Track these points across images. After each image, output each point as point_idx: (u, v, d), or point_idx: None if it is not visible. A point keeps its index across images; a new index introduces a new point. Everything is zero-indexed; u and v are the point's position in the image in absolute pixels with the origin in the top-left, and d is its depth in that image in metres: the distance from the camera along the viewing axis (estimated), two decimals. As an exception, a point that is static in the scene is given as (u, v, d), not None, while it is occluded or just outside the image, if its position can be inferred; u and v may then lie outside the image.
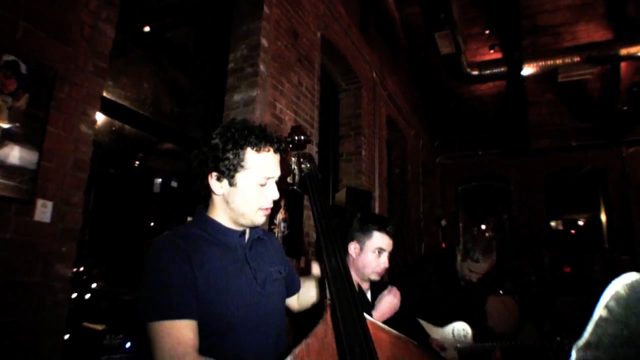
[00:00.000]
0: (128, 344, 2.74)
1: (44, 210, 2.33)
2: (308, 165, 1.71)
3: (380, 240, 2.12)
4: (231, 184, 1.42)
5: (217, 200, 1.48)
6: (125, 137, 5.66)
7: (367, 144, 5.85)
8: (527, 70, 6.70)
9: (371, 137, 6.01)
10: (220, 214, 1.48)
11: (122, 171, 5.99)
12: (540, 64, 6.65)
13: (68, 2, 2.52)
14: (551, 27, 6.64)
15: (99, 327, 2.80)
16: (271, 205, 1.49)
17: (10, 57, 2.28)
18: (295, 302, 1.77)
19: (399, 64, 6.97)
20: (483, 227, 9.46)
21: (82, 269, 3.67)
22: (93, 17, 2.66)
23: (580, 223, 8.83)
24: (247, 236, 1.52)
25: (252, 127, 1.45)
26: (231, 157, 1.39)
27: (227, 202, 1.45)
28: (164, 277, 1.29)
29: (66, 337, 2.51)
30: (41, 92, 2.37)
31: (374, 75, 6.12)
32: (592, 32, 6.53)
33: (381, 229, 2.14)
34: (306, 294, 1.77)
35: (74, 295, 3.23)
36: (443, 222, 7.98)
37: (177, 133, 4.13)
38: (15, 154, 2.26)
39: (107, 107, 3.17)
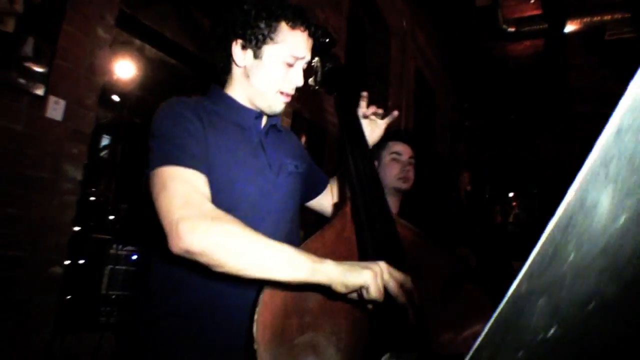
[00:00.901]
0: (134, 256, 2.74)
1: (55, 108, 2.33)
2: (332, 62, 1.54)
3: (395, 146, 2.08)
4: (256, 56, 1.30)
5: (236, 73, 1.36)
6: (156, 88, 5.70)
7: (394, 95, 5.67)
8: (570, 27, 6.32)
9: (398, 89, 5.82)
10: (237, 91, 1.37)
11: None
12: (585, 20, 6.25)
13: None
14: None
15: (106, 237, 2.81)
16: (292, 92, 1.36)
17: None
18: (329, 202, 1.67)
19: (430, 15, 6.67)
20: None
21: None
22: None
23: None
24: (263, 121, 1.41)
25: (290, 3, 1.33)
26: (262, 26, 1.28)
27: (247, 77, 1.33)
28: (179, 126, 1.19)
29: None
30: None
31: (404, 24, 5.90)
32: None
33: (394, 138, 2.10)
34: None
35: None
36: (468, 188, 7.75)
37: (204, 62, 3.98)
38: (29, 46, 2.25)
39: (128, 23, 3.14)
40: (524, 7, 6.65)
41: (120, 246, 2.64)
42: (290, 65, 1.32)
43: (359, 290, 0.98)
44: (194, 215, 1.01)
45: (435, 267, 1.26)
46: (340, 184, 1.66)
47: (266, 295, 0.99)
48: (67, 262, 2.35)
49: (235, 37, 1.31)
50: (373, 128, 1.59)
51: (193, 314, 1.21)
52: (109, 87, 5.38)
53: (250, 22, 1.29)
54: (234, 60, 1.33)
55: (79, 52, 2.42)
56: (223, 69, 1.39)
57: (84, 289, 2.57)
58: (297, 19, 1.30)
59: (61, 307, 2.33)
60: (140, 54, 5.55)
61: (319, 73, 1.51)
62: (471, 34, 6.89)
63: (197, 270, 1.13)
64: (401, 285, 1.00)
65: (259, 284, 1.03)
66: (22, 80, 2.20)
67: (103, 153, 6.02)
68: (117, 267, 2.64)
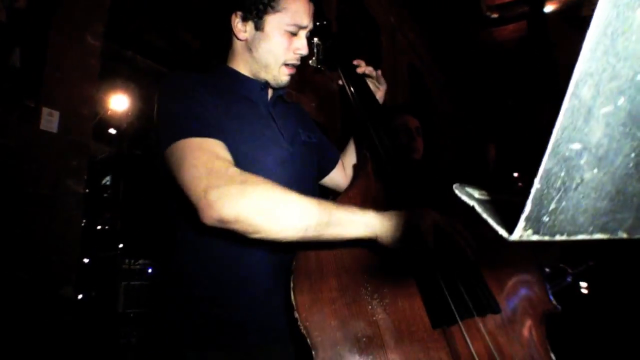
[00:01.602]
0: (150, 270, 2.58)
1: (50, 119, 2.20)
2: (331, 38, 1.52)
3: (400, 119, 2.09)
4: (257, 28, 1.24)
5: (238, 47, 1.29)
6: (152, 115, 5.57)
7: (388, 91, 5.61)
8: (549, 7, 6.38)
9: (392, 84, 5.77)
10: (240, 65, 1.30)
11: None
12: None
13: None
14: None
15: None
16: (297, 63, 1.30)
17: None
18: (342, 177, 1.58)
19: (416, 10, 6.71)
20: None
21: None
22: None
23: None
24: (269, 93, 1.34)
25: None
26: None
27: (249, 50, 1.26)
28: (185, 98, 1.11)
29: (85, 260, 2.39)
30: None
31: (392, 20, 5.89)
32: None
33: (398, 110, 2.12)
34: (352, 162, 1.58)
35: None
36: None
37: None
38: (16, 57, 2.14)
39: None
40: (503, -6, 6.73)
41: (132, 260, 2.49)
42: (294, 35, 1.25)
43: (409, 236, 0.91)
44: (222, 182, 0.93)
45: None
46: (357, 150, 1.58)
47: (300, 259, 0.94)
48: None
49: (235, 10, 1.25)
50: (375, 90, 1.53)
51: (225, 293, 1.13)
52: (105, 122, 5.33)
53: None
54: (235, 34, 1.27)
55: (69, 61, 2.32)
56: (224, 45, 1.33)
57: (98, 308, 2.40)
58: None
59: (76, 330, 2.15)
60: (132, 83, 5.47)
61: (320, 52, 1.48)
62: (458, 23, 6.93)
63: (227, 246, 1.08)
64: (451, 226, 0.94)
65: (294, 251, 0.97)
66: (11, 93, 2.08)
67: (106, 192, 5.87)
68: (132, 282, 2.47)
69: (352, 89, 1.37)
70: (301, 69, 1.39)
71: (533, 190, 0.26)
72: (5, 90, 2.05)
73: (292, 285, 0.89)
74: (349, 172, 1.57)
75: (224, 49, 1.34)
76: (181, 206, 1.01)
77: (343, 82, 1.41)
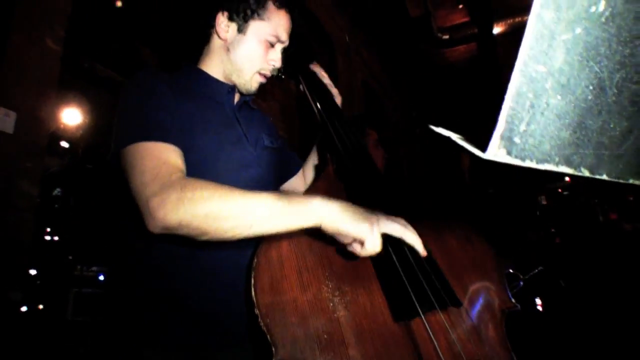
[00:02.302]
0: (101, 277, 2.48)
1: (5, 120, 2.12)
2: (292, 47, 1.56)
3: None
4: (240, 30, 1.30)
5: (216, 46, 1.34)
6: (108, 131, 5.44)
7: (345, 108, 5.70)
8: (497, 29, 6.72)
9: (348, 102, 5.89)
10: (213, 64, 1.35)
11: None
12: (509, 21, 6.68)
13: None
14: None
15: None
16: (269, 74, 1.37)
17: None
18: (302, 184, 1.61)
19: (370, 29, 6.90)
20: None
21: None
22: None
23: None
24: (236, 97, 1.39)
25: None
26: (252, 1, 1.29)
27: (227, 51, 1.32)
28: (148, 99, 1.13)
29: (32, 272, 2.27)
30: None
31: (347, 38, 6.05)
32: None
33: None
34: (312, 170, 1.61)
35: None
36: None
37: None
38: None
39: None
40: (454, 16, 7.04)
41: (85, 267, 2.38)
42: (271, 46, 1.32)
43: (352, 242, 0.92)
44: (163, 188, 0.94)
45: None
46: (319, 156, 1.62)
47: (260, 257, 0.94)
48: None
49: (223, 9, 1.30)
50: (335, 94, 1.57)
51: (184, 290, 1.13)
52: (58, 134, 5.17)
53: None
54: (216, 32, 1.33)
55: (29, 63, 2.25)
56: (199, 42, 1.36)
57: (46, 315, 2.27)
58: (283, 0, 1.33)
59: (22, 338, 2.03)
60: (89, 96, 5.33)
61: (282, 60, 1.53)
62: (410, 43, 7.18)
63: (182, 245, 1.07)
64: (401, 229, 0.95)
65: (251, 247, 0.98)
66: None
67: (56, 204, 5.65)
68: (83, 290, 2.35)
69: (313, 93, 1.42)
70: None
71: (506, 108, 0.30)
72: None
73: (252, 282, 0.89)
74: (309, 180, 1.60)
75: (195, 49, 1.35)
76: (132, 207, 1.01)
77: (303, 87, 1.45)
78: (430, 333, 0.88)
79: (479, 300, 1.04)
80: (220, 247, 1.07)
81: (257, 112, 1.51)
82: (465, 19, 7.01)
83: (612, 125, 0.37)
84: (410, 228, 0.96)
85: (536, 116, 0.31)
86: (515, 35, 6.87)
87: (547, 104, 0.31)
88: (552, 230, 4.60)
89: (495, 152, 0.30)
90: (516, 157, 0.31)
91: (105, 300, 2.48)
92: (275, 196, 0.94)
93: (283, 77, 1.54)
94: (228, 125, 1.28)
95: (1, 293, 2.02)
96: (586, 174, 0.37)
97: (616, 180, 0.40)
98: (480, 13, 6.69)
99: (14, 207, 2.12)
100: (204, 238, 0.92)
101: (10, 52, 2.18)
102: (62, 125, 5.32)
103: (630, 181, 0.41)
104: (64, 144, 5.57)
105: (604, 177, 0.38)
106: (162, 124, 1.08)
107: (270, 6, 1.30)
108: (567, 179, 5.61)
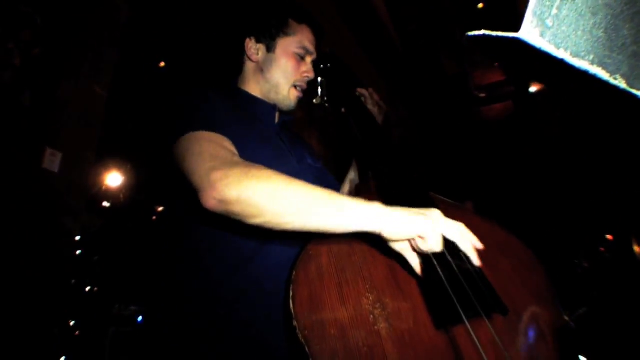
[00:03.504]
0: (140, 318, 2.47)
1: (52, 160, 2.24)
2: (334, 75, 1.64)
3: None
4: (269, 50, 1.37)
5: (250, 69, 1.41)
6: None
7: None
8: (533, 87, 6.76)
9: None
10: (252, 86, 1.43)
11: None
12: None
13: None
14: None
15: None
16: (305, 87, 1.43)
17: (27, 9, 2.32)
18: None
19: (406, 90, 7.05)
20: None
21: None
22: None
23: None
24: (277, 116, 1.43)
25: (294, 2, 1.47)
26: (274, 21, 1.38)
27: (261, 71, 1.38)
28: (201, 100, 1.17)
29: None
30: (56, 44, 2.38)
31: (385, 95, 6.18)
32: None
33: None
34: (349, 187, 1.62)
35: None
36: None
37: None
38: (26, 97, 2.22)
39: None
40: (491, 75, 7.12)
41: (122, 306, 2.39)
42: (302, 59, 1.39)
43: (413, 240, 0.89)
44: (226, 165, 0.93)
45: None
46: (360, 175, 1.62)
47: (299, 269, 0.92)
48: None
49: (249, 35, 1.39)
50: (376, 112, 1.64)
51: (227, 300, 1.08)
52: (100, 195, 5.39)
53: (263, 19, 1.39)
54: (248, 57, 1.41)
55: (76, 107, 2.40)
56: (234, 69, 1.43)
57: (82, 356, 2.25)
58: (302, 15, 1.42)
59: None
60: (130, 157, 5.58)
61: (324, 88, 1.59)
62: (446, 100, 7.27)
63: (227, 260, 1.08)
64: (460, 232, 0.92)
65: (297, 246, 0.96)
66: (19, 131, 2.14)
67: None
68: (120, 329, 2.35)
69: (356, 117, 1.45)
70: (305, 108, 1.46)
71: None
72: (13, 127, 2.11)
73: (291, 294, 0.87)
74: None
75: (234, 73, 1.43)
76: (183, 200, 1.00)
77: (347, 113, 1.49)
78: (477, 341, 0.82)
79: (528, 313, 0.99)
80: (266, 242, 1.05)
81: (297, 134, 1.56)
82: (502, 78, 7.08)
83: (646, 36, 0.36)
84: (469, 234, 0.94)
85: (567, 1, 0.31)
86: (550, 93, 6.87)
87: (578, -8, 0.31)
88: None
89: (529, 30, 0.30)
90: (549, 42, 0.31)
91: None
92: (340, 194, 0.93)
93: (327, 104, 1.60)
94: (272, 142, 1.31)
95: (47, 326, 2.04)
96: (622, 84, 0.35)
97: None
98: (517, 72, 6.76)
99: (56, 244, 2.19)
100: (257, 220, 0.88)
101: (59, 96, 2.35)
102: (104, 187, 5.55)
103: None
104: (106, 204, 5.78)
105: (642, 93, 0.37)
106: (216, 119, 1.10)
107: (292, 22, 1.39)
108: (609, 237, 5.33)
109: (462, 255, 0.94)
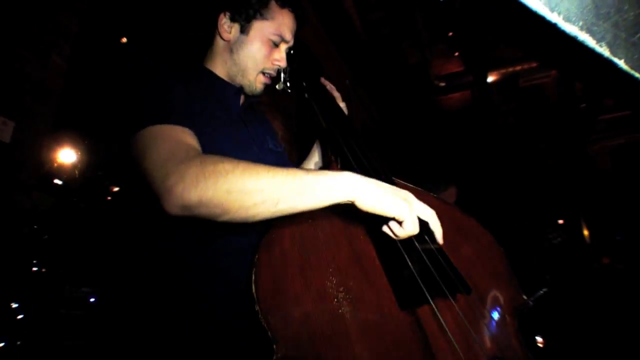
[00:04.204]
0: (92, 299, 2.38)
1: (3, 129, 2.13)
2: (296, 61, 1.58)
3: None
4: (243, 30, 1.30)
5: (219, 47, 1.34)
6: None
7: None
8: (490, 78, 6.97)
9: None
10: (218, 66, 1.35)
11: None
12: (502, 71, 6.93)
13: None
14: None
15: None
16: (274, 74, 1.36)
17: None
18: None
19: (371, 76, 7.11)
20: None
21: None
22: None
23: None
24: (242, 99, 1.38)
25: None
26: (254, 1, 1.29)
27: (230, 52, 1.31)
28: (161, 83, 1.10)
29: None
30: (14, 10, 2.24)
31: (347, 82, 6.22)
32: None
33: None
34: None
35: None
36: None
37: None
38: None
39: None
40: (450, 65, 7.30)
41: (75, 287, 2.29)
42: (275, 46, 1.32)
43: (388, 222, 0.88)
44: (180, 165, 0.88)
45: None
46: (323, 160, 1.62)
47: (262, 252, 0.90)
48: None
49: (225, 9, 1.31)
50: (341, 103, 1.58)
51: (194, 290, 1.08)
52: (52, 172, 5.15)
53: None
54: (219, 33, 1.34)
55: (32, 75, 2.28)
56: (203, 44, 1.37)
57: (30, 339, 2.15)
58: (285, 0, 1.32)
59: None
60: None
61: (287, 74, 1.53)
62: (407, 89, 7.38)
63: (193, 244, 1.06)
64: (431, 212, 0.91)
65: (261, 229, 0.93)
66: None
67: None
68: (71, 311, 2.26)
69: (320, 104, 1.41)
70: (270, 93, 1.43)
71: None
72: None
73: (253, 278, 0.86)
74: None
75: (199, 51, 1.37)
76: (144, 198, 0.96)
77: (310, 99, 1.43)
78: (442, 321, 0.84)
79: (489, 293, 1.01)
80: (235, 244, 1.03)
81: (260, 114, 1.51)
82: (460, 69, 7.27)
83: (626, 7, 0.39)
84: (434, 213, 0.92)
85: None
86: (507, 84, 7.12)
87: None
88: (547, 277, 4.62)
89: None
90: (545, 3, 0.33)
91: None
92: (303, 170, 0.88)
93: (290, 90, 1.56)
94: (234, 127, 1.27)
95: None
96: (606, 53, 0.38)
97: (632, 71, 0.41)
98: (475, 63, 6.94)
99: (6, 219, 2.09)
100: (226, 217, 0.85)
101: (14, 64, 2.22)
102: (56, 164, 5.30)
103: (643, 77, 0.42)
104: (58, 181, 5.53)
105: (622, 63, 0.40)
106: (174, 107, 1.05)
107: (273, 5, 1.31)
108: (560, 221, 5.64)
109: (425, 236, 0.94)
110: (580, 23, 0.35)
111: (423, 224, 0.90)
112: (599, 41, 0.37)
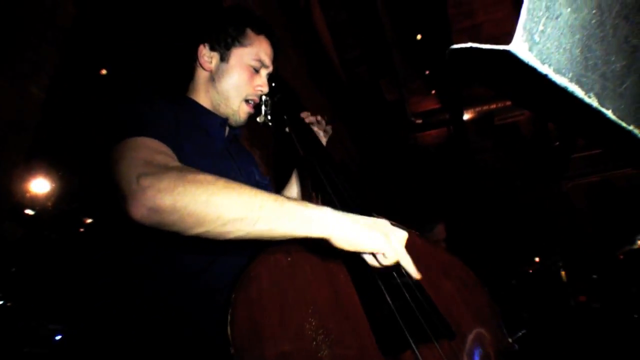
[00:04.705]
0: (58, 337, 2.24)
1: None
2: (277, 94, 1.61)
3: None
4: (223, 59, 1.32)
5: (201, 78, 1.35)
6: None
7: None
8: (466, 115, 7.15)
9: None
10: (201, 96, 1.35)
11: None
12: (477, 109, 7.12)
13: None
14: (483, 78, 7.21)
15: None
16: (257, 101, 1.38)
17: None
18: None
19: (348, 109, 7.22)
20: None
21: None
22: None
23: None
24: (226, 131, 1.38)
25: (254, 13, 1.41)
26: (231, 30, 1.32)
27: (212, 81, 1.33)
28: (148, 103, 1.09)
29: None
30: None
31: (326, 118, 6.28)
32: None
33: None
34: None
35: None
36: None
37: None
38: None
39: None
40: (427, 102, 7.48)
41: (41, 323, 2.16)
42: (256, 72, 1.34)
43: (367, 255, 0.86)
44: (158, 170, 0.84)
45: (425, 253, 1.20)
46: (303, 191, 1.62)
47: (239, 290, 0.86)
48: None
49: (204, 41, 1.33)
50: (321, 136, 1.62)
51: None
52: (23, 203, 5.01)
53: (219, 26, 1.33)
54: (200, 64, 1.35)
55: (8, 105, 2.22)
56: (184, 76, 1.38)
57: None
58: (261, 26, 1.37)
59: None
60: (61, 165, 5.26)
61: (269, 107, 1.55)
62: (385, 125, 7.51)
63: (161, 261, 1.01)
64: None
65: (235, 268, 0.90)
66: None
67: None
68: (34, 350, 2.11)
69: (300, 137, 1.43)
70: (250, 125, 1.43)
71: (526, 3, 0.32)
72: None
73: (229, 318, 0.81)
74: None
75: (184, 81, 1.38)
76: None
77: (290, 132, 1.46)
78: None
79: (473, 335, 0.98)
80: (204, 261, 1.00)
81: (244, 148, 1.52)
82: (437, 106, 7.46)
83: (613, 59, 0.39)
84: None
85: (552, 20, 0.33)
86: (483, 122, 7.31)
87: (560, 13, 0.33)
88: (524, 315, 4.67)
89: (519, 44, 0.32)
90: (536, 56, 0.32)
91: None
92: (286, 197, 0.87)
93: (270, 124, 1.56)
94: (220, 158, 1.26)
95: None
96: (595, 103, 0.38)
97: (619, 121, 0.41)
98: (451, 101, 7.14)
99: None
100: (197, 230, 0.80)
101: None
102: (29, 194, 5.18)
103: (631, 127, 0.43)
104: (29, 211, 5.38)
105: (610, 113, 0.40)
106: (160, 130, 1.01)
107: (250, 32, 1.34)
108: (536, 259, 5.71)
109: (404, 272, 0.92)
110: (570, 75, 0.35)
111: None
112: (587, 92, 0.37)
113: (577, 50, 0.36)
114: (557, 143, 7.25)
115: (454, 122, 7.22)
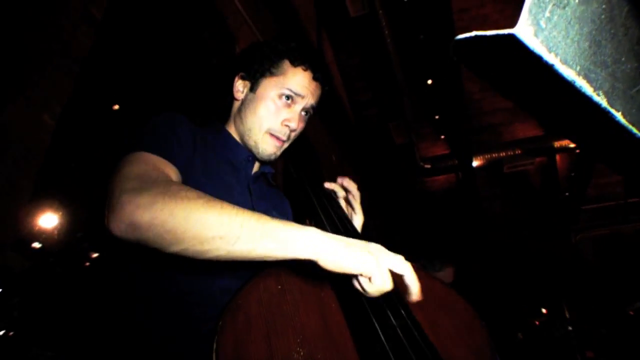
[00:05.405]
0: None
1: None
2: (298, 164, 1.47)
3: None
4: (252, 89, 1.26)
5: (234, 108, 1.32)
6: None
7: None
8: (475, 162, 7.15)
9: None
10: (232, 127, 1.31)
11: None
12: (486, 156, 7.12)
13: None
14: (491, 127, 7.28)
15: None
16: (284, 137, 1.25)
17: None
18: None
19: (357, 152, 7.26)
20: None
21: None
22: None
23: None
24: (255, 167, 1.32)
25: (296, 43, 1.30)
26: (264, 61, 1.26)
27: (239, 111, 1.28)
28: (167, 127, 1.09)
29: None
30: (8, 65, 2.26)
31: (334, 158, 6.32)
32: (527, 130, 7.19)
33: None
34: None
35: None
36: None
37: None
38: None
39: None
40: (436, 148, 7.52)
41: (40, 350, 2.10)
42: (287, 105, 1.24)
43: (356, 279, 0.82)
44: (145, 184, 0.82)
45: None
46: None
47: (226, 318, 0.83)
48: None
49: (239, 71, 1.30)
50: (350, 212, 1.41)
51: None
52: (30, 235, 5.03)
53: (253, 58, 1.28)
54: (233, 94, 1.31)
55: (20, 133, 2.25)
56: (224, 105, 1.36)
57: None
58: (300, 57, 1.26)
59: None
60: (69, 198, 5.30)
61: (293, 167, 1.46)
62: (393, 169, 7.52)
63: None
64: (405, 266, 0.84)
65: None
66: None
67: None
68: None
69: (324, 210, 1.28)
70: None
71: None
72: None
73: (215, 346, 0.79)
74: None
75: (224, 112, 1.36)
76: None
77: (312, 198, 1.31)
78: None
79: None
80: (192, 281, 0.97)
81: (275, 191, 1.43)
82: (446, 152, 7.48)
83: (623, 59, 0.38)
84: (409, 265, 0.85)
85: (558, 7, 0.32)
86: (492, 169, 7.29)
87: (567, 2, 0.32)
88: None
89: (524, 28, 0.30)
90: (542, 43, 0.31)
91: None
92: (269, 216, 0.83)
93: (295, 176, 1.42)
94: (237, 191, 1.20)
95: None
96: (604, 102, 0.36)
97: (630, 126, 0.39)
98: (460, 146, 7.17)
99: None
100: (175, 248, 0.77)
101: (3, 118, 2.19)
102: (36, 228, 5.18)
103: (640, 135, 0.40)
104: (37, 244, 5.37)
105: (619, 115, 0.38)
106: (171, 147, 1.01)
107: (285, 63, 1.26)
108: (544, 310, 5.53)
109: (399, 305, 0.89)
110: (578, 68, 0.33)
111: (396, 292, 0.85)
112: (596, 89, 0.35)
113: (586, 44, 0.34)
114: (567, 194, 7.19)
115: (463, 168, 7.21)
